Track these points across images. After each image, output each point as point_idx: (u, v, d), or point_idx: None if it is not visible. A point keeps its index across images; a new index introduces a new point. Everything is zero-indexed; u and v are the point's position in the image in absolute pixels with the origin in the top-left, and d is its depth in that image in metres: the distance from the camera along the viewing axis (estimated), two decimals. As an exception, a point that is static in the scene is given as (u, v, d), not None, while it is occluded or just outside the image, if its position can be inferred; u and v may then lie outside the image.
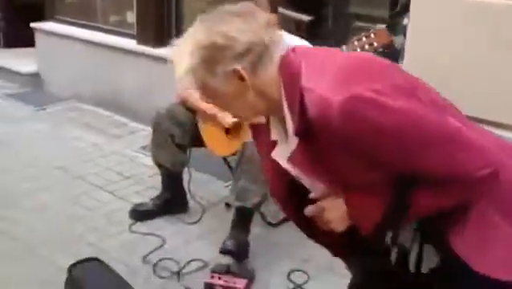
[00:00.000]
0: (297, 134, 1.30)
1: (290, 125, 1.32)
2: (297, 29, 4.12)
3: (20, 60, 5.37)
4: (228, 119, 2.79)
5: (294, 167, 1.38)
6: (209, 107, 2.86)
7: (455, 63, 2.85)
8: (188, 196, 3.15)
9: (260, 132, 1.47)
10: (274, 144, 1.43)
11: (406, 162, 1.22)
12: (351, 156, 1.24)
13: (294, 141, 1.33)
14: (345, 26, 3.93)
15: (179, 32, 4.32)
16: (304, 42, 2.85)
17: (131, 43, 4.40)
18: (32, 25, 5.09)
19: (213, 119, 2.83)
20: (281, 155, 1.41)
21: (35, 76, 5.19)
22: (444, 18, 2.86)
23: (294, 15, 4.26)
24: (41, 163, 3.69)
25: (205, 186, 3.41)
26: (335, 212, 1.34)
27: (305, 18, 4.29)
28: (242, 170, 2.65)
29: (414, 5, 2.98)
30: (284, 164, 1.41)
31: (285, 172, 1.43)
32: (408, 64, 3.05)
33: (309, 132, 1.25)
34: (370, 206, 1.29)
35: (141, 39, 4.33)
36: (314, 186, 1.41)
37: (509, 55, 2.69)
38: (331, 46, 2.49)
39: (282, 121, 1.35)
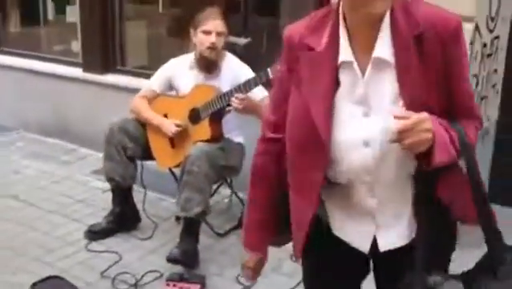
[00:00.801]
0: (416, 37, 1.31)
1: (386, 41, 1.32)
2: (233, 52, 4.45)
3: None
4: (171, 128, 3.04)
5: (404, 85, 1.32)
6: (154, 118, 3.11)
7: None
8: (142, 213, 3.34)
9: (314, 62, 1.38)
10: (334, 70, 1.36)
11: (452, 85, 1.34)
12: (442, 72, 1.32)
13: (385, 58, 1.32)
14: (279, 48, 4.23)
15: (124, 59, 4.53)
16: (244, 66, 3.14)
17: (77, 71, 4.55)
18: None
19: (158, 129, 3.08)
20: (355, 76, 1.36)
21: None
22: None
23: (230, 39, 4.59)
24: (-7, 192, 3.78)
25: (158, 204, 3.62)
26: (427, 123, 1.26)
27: (241, 41, 4.59)
28: (185, 182, 2.87)
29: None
30: (359, 86, 1.35)
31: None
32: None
33: (418, 41, 1.30)
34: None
35: (87, 67, 4.49)
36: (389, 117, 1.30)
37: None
38: (261, 68, 2.84)
39: (366, 39, 1.34)
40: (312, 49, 1.39)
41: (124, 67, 4.47)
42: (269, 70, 2.78)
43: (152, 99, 3.22)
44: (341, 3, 1.37)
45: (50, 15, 4.96)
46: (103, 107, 4.35)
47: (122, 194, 3.27)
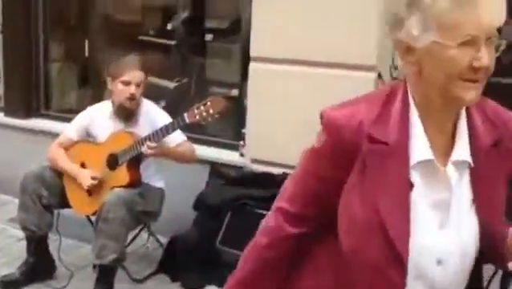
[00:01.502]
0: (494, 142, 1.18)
1: (464, 139, 1.18)
2: (162, 95, 4.49)
3: None
4: (87, 181, 3.02)
5: (478, 194, 1.17)
6: (70, 169, 3.07)
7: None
8: (57, 261, 3.25)
9: (383, 159, 1.15)
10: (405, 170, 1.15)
11: None
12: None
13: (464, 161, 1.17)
14: (204, 92, 4.30)
15: (48, 103, 4.47)
16: (163, 113, 3.16)
17: (-1, 116, 4.46)
18: None
19: (74, 180, 3.06)
20: (434, 177, 1.16)
21: None
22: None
23: (158, 82, 4.59)
24: None
25: (75, 251, 3.53)
26: None
27: (170, 84, 4.64)
28: (100, 229, 2.85)
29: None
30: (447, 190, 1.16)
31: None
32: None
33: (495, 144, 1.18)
34: None
35: (9, 111, 4.40)
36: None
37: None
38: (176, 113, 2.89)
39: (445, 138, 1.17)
40: (379, 142, 1.15)
41: (48, 111, 4.40)
42: (185, 115, 2.84)
43: (69, 146, 3.19)
44: (412, 85, 1.17)
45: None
46: (25, 153, 4.24)
47: (37, 243, 3.19)
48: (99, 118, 3.16)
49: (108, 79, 3.07)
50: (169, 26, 4.53)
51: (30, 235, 3.15)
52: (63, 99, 4.65)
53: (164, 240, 3.45)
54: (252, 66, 3.43)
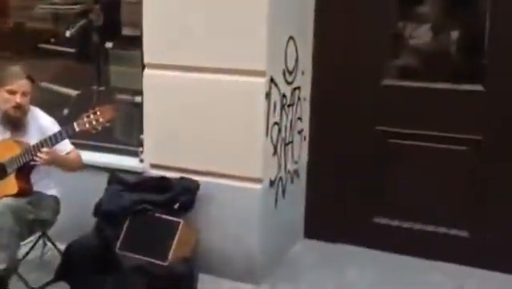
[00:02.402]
0: None
1: None
2: (64, 103, 4.45)
3: None
4: None
5: None
6: None
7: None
8: None
9: None
10: None
11: None
12: None
13: None
14: (108, 99, 4.30)
15: None
16: (50, 119, 3.16)
17: None
18: None
19: None
20: None
21: None
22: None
23: (60, 90, 4.57)
24: None
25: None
26: None
27: (72, 92, 4.59)
28: None
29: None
30: None
31: None
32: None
33: None
34: None
35: None
36: None
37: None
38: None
39: None
40: None
41: None
42: (75, 124, 2.88)
43: None
44: None
45: None
46: None
47: None
48: None
49: None
50: (68, 34, 4.49)
51: None
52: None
53: (61, 247, 3.40)
54: (146, 72, 3.50)
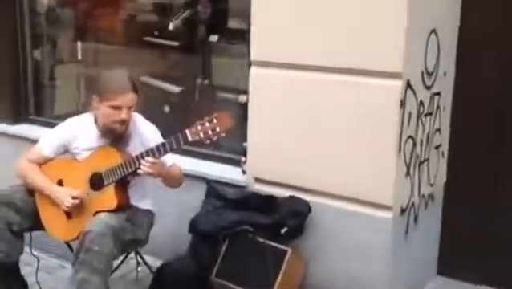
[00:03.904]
0: None
1: None
2: (166, 100, 4.11)
3: None
4: (66, 201, 2.62)
5: None
6: (46, 187, 2.68)
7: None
8: (36, 286, 2.87)
9: None
10: None
11: None
12: None
13: None
14: (211, 98, 3.89)
15: (39, 109, 4.11)
16: (153, 128, 2.75)
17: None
18: None
19: (49, 199, 2.67)
20: None
21: None
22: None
23: (162, 85, 4.25)
24: None
25: (57, 272, 3.18)
26: None
27: (174, 88, 4.25)
28: (82, 260, 2.43)
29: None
30: None
31: None
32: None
33: None
34: None
35: (-2, 118, 4.08)
36: None
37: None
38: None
39: None
40: None
41: (38, 116, 4.03)
42: (187, 132, 2.42)
43: (42, 163, 2.78)
44: None
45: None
46: (12, 160, 3.88)
47: (6, 271, 2.78)
48: (81, 134, 2.72)
49: (95, 97, 2.62)
50: (171, 26, 4.13)
51: None
52: (54, 105, 4.29)
53: (157, 263, 3.05)
54: (253, 71, 2.98)
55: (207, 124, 2.39)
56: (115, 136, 2.64)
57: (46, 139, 2.80)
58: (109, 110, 2.57)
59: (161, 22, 4.18)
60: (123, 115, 2.55)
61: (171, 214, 3.20)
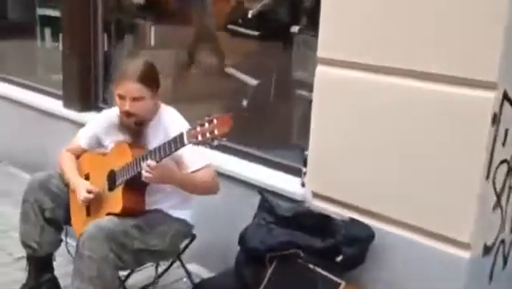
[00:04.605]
0: None
1: None
2: (244, 92, 3.84)
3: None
4: (81, 194, 2.42)
5: None
6: (72, 177, 2.51)
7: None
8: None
9: None
10: None
11: None
12: None
13: None
14: (288, 93, 3.55)
15: (107, 96, 3.99)
16: (182, 124, 2.44)
17: (58, 106, 4.06)
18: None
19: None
20: None
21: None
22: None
23: (242, 77, 3.98)
24: None
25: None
26: None
27: (252, 81, 3.98)
28: (75, 268, 2.25)
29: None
30: None
31: None
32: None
33: None
34: None
35: (67, 102, 4.00)
36: None
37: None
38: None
39: None
40: None
41: (107, 104, 3.90)
42: (184, 133, 2.12)
43: (79, 154, 2.62)
44: None
45: (48, 43, 4.53)
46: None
47: (39, 264, 2.64)
48: (107, 126, 2.52)
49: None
50: (250, 14, 3.83)
51: (30, 254, 2.62)
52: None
53: (207, 274, 2.83)
54: (319, 69, 2.58)
55: (206, 125, 2.07)
56: (130, 131, 2.40)
57: (83, 129, 2.64)
58: (117, 99, 2.35)
59: (246, 9, 3.89)
60: (127, 106, 2.30)
61: (223, 223, 2.92)
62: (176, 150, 2.16)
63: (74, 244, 2.48)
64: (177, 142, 2.13)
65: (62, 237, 2.66)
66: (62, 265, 2.71)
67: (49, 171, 2.65)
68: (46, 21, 4.44)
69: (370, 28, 2.34)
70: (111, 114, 2.52)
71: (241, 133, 2.92)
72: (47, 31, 4.45)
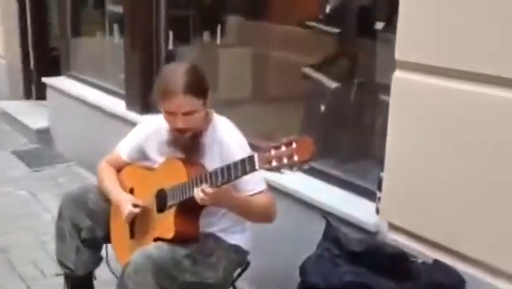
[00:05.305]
0: None
1: None
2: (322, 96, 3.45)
3: (42, 114, 5.03)
4: (126, 208, 2.13)
5: None
6: (113, 190, 2.22)
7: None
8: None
9: None
10: None
11: None
12: None
13: None
14: (370, 99, 3.11)
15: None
16: (239, 140, 2.11)
17: (121, 108, 3.86)
18: (44, 80, 4.76)
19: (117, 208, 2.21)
20: None
21: (46, 132, 4.83)
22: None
23: (321, 79, 3.59)
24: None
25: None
26: None
27: (331, 84, 3.58)
28: None
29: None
30: None
31: None
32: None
33: None
34: None
35: (129, 104, 3.79)
36: None
37: None
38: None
39: None
40: None
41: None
42: (256, 157, 1.76)
43: (121, 167, 2.33)
44: None
45: (116, 39, 4.36)
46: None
47: (77, 283, 2.40)
48: (154, 137, 2.21)
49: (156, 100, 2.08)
50: (328, 9, 3.41)
51: (67, 273, 2.39)
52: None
53: None
54: (397, 75, 2.12)
55: (283, 149, 1.68)
56: (182, 147, 2.07)
57: (126, 139, 2.34)
58: (165, 115, 2.03)
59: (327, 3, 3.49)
60: (179, 123, 1.98)
61: (283, 249, 2.55)
62: (243, 175, 1.82)
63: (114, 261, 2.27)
64: (246, 166, 1.78)
65: (103, 253, 2.42)
66: (104, 284, 2.47)
67: (85, 185, 2.40)
68: (115, 17, 4.26)
69: (466, 27, 1.85)
70: (158, 123, 2.19)
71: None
72: (115, 27, 4.27)
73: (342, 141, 3.12)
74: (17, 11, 5.43)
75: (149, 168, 2.23)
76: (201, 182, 1.89)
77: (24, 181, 4.07)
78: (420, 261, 1.98)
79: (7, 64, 5.59)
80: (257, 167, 1.74)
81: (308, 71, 3.66)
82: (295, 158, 1.65)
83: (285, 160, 1.67)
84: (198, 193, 1.88)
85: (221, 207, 2.03)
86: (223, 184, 1.86)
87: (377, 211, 2.27)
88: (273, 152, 1.70)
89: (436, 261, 1.98)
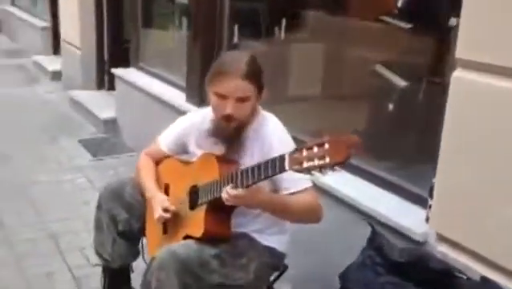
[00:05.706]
0: None
1: None
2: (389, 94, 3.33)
3: (112, 105, 5.14)
4: (157, 211, 2.07)
5: None
6: (148, 188, 2.17)
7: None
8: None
9: None
10: None
11: None
12: None
13: None
14: (439, 100, 2.92)
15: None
16: (283, 137, 2.01)
17: (181, 99, 3.84)
18: (113, 71, 4.85)
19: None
20: None
21: (113, 122, 4.92)
22: None
23: (391, 77, 3.40)
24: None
25: None
26: None
27: (400, 82, 3.38)
28: None
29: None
30: None
31: None
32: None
33: None
34: None
35: (189, 96, 3.77)
36: None
37: None
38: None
39: None
40: None
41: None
42: (286, 158, 1.64)
43: (160, 159, 2.27)
44: None
45: (184, 31, 4.35)
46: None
47: (113, 275, 2.39)
48: (195, 130, 2.13)
49: (206, 80, 1.98)
50: (399, 3, 3.22)
51: (104, 265, 2.38)
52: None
53: None
54: (457, 74, 1.91)
55: (315, 150, 1.54)
56: (224, 138, 1.97)
57: (167, 131, 2.28)
58: (215, 99, 1.92)
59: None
60: (229, 109, 1.87)
61: (325, 251, 2.40)
62: (272, 176, 1.72)
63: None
64: (275, 166, 1.67)
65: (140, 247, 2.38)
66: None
67: (123, 178, 2.37)
68: (184, 9, 4.26)
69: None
70: (201, 116, 2.13)
71: (365, 144, 2.38)
72: (184, 20, 4.27)
73: (401, 143, 2.92)
74: (93, 6, 5.59)
75: (186, 163, 2.17)
76: (231, 181, 1.80)
77: (85, 170, 4.16)
78: (465, 277, 1.78)
79: (82, 55, 5.75)
80: (287, 168, 1.63)
81: (379, 68, 3.49)
82: (327, 160, 1.52)
83: (316, 162, 1.54)
84: (223, 194, 1.79)
85: (251, 208, 1.91)
86: (253, 183, 1.75)
87: (427, 220, 2.07)
88: (304, 152, 1.58)
89: (483, 278, 1.76)
